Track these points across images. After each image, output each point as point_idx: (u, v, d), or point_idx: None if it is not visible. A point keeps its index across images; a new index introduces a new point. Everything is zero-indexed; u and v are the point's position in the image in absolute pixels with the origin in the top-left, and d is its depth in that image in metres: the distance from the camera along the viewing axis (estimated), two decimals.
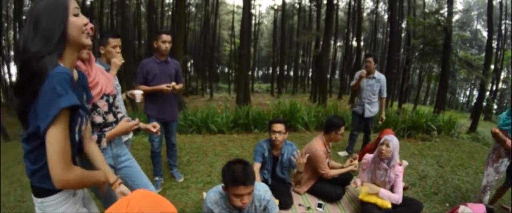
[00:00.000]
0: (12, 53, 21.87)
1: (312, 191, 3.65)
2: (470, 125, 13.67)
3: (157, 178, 3.88)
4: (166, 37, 3.43)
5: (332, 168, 3.67)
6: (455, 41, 16.73)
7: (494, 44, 21.56)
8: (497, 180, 3.20)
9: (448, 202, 3.71)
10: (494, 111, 21.68)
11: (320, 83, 15.62)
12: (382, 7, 32.36)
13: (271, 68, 38.09)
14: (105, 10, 25.37)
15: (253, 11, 31.47)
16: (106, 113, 1.90)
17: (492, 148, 3.18)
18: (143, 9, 29.21)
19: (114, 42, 2.70)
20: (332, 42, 28.32)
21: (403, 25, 23.75)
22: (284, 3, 31.28)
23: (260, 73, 60.29)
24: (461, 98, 42.82)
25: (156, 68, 3.49)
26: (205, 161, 4.87)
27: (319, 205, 3.36)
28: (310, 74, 37.57)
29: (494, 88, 24.34)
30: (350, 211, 3.40)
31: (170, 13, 31.63)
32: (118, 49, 2.74)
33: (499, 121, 3.03)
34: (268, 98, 23.93)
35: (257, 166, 3.28)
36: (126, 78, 13.32)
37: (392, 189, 3.13)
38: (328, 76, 21.81)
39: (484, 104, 18.26)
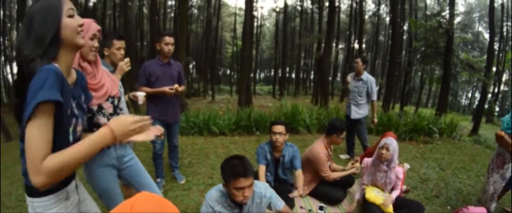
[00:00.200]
0: (14, 53, 21.94)
1: (313, 194, 3.65)
2: (472, 128, 13.66)
3: (158, 180, 3.89)
4: (169, 39, 3.45)
5: (333, 170, 3.67)
6: (457, 43, 16.72)
7: (496, 46, 21.57)
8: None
9: (450, 205, 3.70)
10: (496, 114, 21.63)
11: (322, 85, 15.61)
12: (383, 9, 32.33)
13: (273, 70, 38.24)
14: (108, 12, 25.46)
15: (255, 13, 31.68)
16: (111, 114, 1.92)
17: (496, 153, 3.12)
18: (145, 10, 29.30)
19: (119, 44, 2.71)
20: (334, 44, 28.40)
21: (405, 28, 23.79)
22: (286, 6, 31.34)
23: (262, 75, 60.35)
24: (463, 101, 42.71)
25: (158, 70, 3.50)
26: (207, 163, 4.88)
27: (321, 208, 3.36)
28: (312, 77, 37.57)
29: (496, 90, 24.32)
30: None
31: (172, 15, 31.80)
32: (122, 51, 2.75)
33: (503, 124, 2.98)
34: (270, 100, 23.90)
35: (262, 168, 3.26)
36: (128, 79, 13.35)
37: (392, 190, 3.15)
38: (330, 78, 21.79)
39: (486, 106, 18.21)
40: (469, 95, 41.57)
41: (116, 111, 1.96)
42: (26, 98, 1.04)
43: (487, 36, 26.97)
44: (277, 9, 34.60)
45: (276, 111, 7.56)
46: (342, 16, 33.67)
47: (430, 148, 6.16)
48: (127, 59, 2.79)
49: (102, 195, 2.08)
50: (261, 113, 7.24)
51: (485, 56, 17.33)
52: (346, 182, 3.71)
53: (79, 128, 1.31)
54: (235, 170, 1.97)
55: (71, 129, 1.22)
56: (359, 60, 4.94)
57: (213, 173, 4.44)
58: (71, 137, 1.23)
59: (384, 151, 3.02)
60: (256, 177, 2.97)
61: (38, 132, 1.04)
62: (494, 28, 16.11)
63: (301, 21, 32.99)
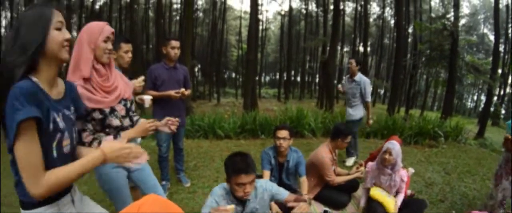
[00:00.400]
0: None
1: (318, 198, 3.64)
2: (477, 131, 13.51)
3: (164, 183, 3.91)
4: (175, 43, 3.50)
5: (338, 175, 3.68)
6: (462, 45, 16.59)
7: (501, 48, 21.35)
8: None
9: (455, 209, 3.69)
10: (502, 116, 21.36)
11: (327, 88, 15.61)
12: (388, 12, 32.29)
13: (278, 74, 38.15)
14: (114, 14, 25.71)
15: (260, 16, 31.68)
16: (123, 117, 1.92)
17: (504, 159, 3.05)
18: (151, 14, 29.53)
19: (126, 47, 2.76)
20: (339, 47, 28.26)
21: (410, 30, 23.68)
22: (291, 9, 31.37)
23: (267, 78, 60.41)
24: (469, 104, 42.38)
25: (164, 74, 3.55)
26: (212, 166, 4.91)
27: (325, 212, 3.37)
28: (317, 80, 37.55)
29: (502, 92, 24.08)
30: None
31: (178, 18, 32.03)
32: (130, 54, 2.81)
33: (508, 128, 2.98)
34: (275, 103, 23.91)
35: (266, 174, 3.26)
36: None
37: (397, 193, 3.16)
38: (335, 81, 21.73)
39: (492, 109, 18.03)
40: (475, 97, 41.31)
41: (128, 113, 1.96)
42: (5, 117, 1.07)
43: (492, 38, 26.83)
44: (282, 13, 34.60)
45: (281, 115, 7.57)
46: (347, 19, 33.69)
47: (435, 152, 6.13)
48: (141, 79, 2.91)
49: (112, 195, 2.11)
50: (266, 117, 7.24)
51: (491, 58, 17.16)
52: (351, 186, 3.71)
53: (66, 142, 1.28)
54: (237, 166, 2.01)
55: (54, 144, 1.22)
56: (353, 61, 4.91)
57: (218, 176, 4.47)
58: (55, 153, 1.22)
59: (387, 156, 3.03)
60: None
61: (27, 150, 1.10)
62: (499, 30, 15.98)
63: (306, 24, 33.05)
